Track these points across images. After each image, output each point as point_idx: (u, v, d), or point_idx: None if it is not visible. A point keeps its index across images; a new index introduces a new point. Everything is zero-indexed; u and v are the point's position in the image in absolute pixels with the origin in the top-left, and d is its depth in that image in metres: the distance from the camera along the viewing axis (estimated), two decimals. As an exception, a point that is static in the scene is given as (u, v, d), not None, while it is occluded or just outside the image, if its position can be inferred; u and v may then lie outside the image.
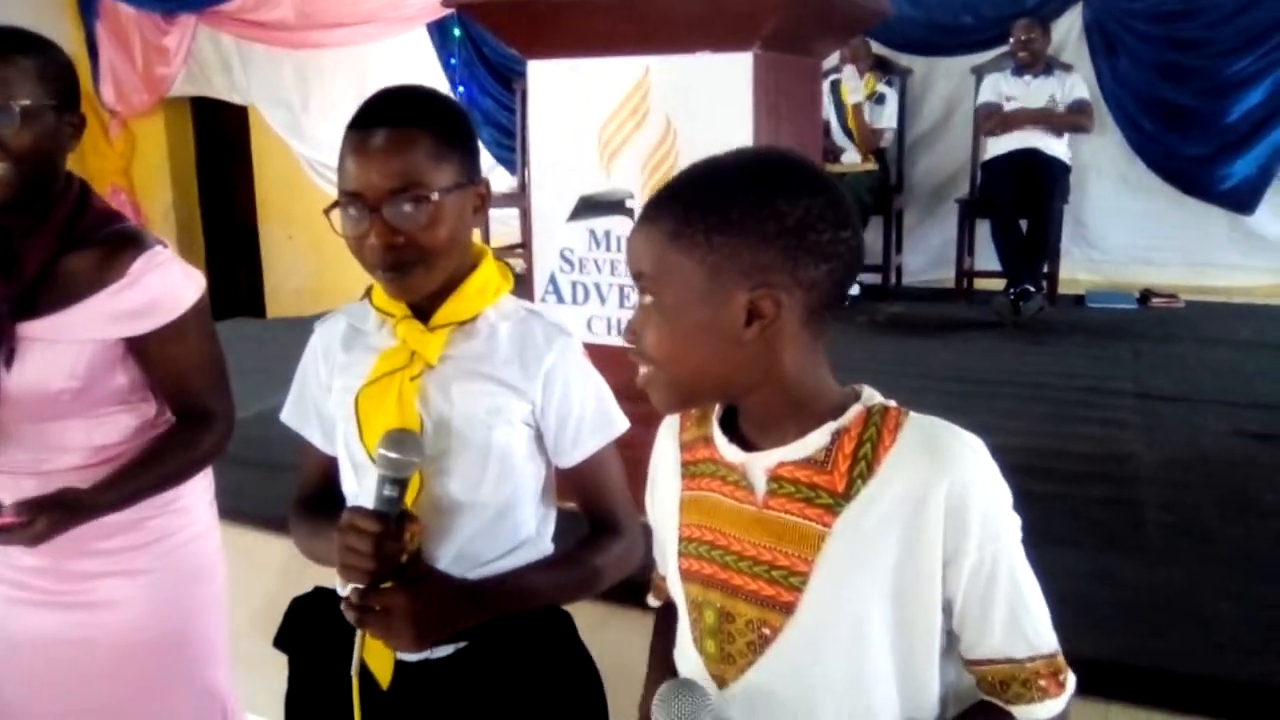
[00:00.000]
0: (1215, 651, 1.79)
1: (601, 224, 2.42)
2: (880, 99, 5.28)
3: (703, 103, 2.25)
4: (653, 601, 1.17)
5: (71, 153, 1.52)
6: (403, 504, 1.15)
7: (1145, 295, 5.13)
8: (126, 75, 7.42)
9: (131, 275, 1.48)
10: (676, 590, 1.03)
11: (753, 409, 0.96)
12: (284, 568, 2.31)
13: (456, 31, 6.33)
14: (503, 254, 5.27)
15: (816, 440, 0.92)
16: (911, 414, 0.93)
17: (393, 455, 1.12)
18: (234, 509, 2.60)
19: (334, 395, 1.29)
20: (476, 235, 1.35)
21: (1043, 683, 0.91)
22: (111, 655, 1.59)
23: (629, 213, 2.37)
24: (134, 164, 7.74)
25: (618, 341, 2.36)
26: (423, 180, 1.16)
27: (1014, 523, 0.91)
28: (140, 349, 1.54)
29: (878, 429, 0.91)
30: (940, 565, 0.89)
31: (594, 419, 1.28)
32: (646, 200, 0.94)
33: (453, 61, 6.41)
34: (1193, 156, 5.18)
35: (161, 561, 1.61)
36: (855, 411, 0.92)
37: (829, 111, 5.36)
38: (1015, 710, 0.92)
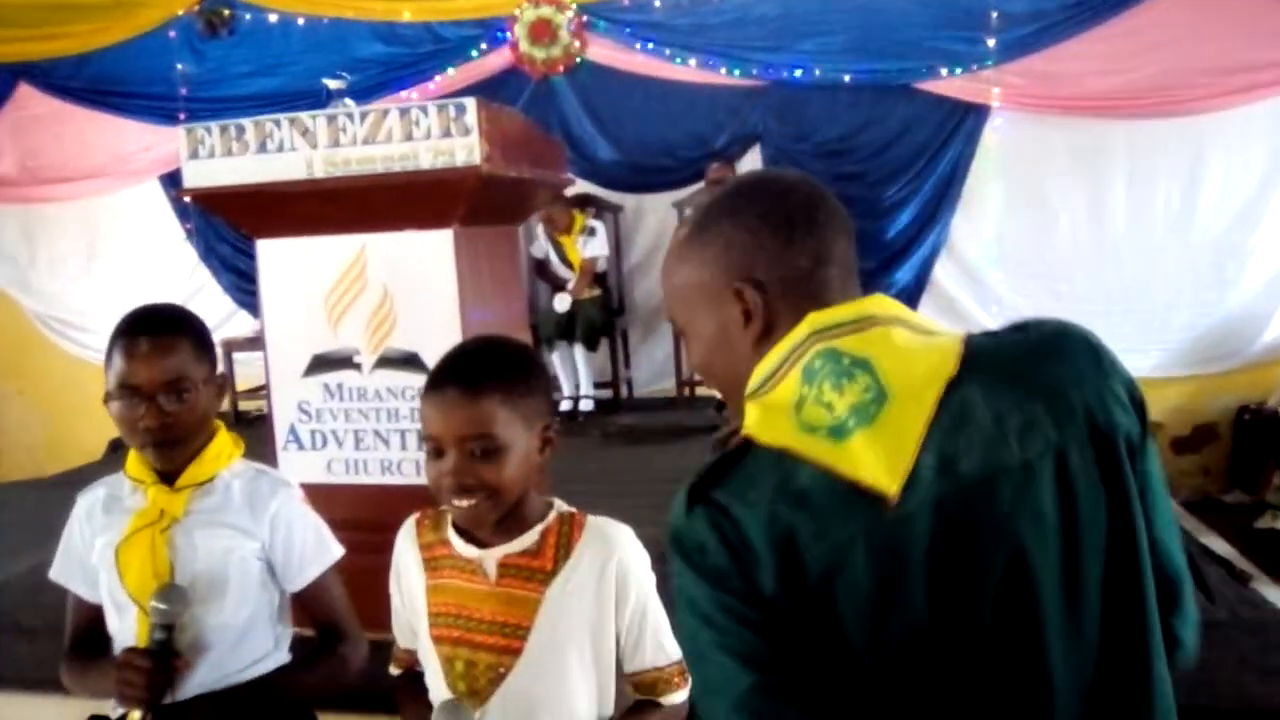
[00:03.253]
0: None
1: (334, 378, 2.75)
2: (591, 231, 5.89)
3: (414, 272, 2.65)
4: (394, 670, 1.51)
5: None
6: (170, 643, 1.46)
7: (838, 389, 5.92)
8: None
9: None
10: (428, 653, 1.40)
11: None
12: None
13: (191, 184, 6.46)
14: (247, 396, 5.37)
15: (530, 538, 1.36)
16: (589, 516, 1.40)
17: (162, 606, 1.46)
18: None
19: (97, 551, 1.57)
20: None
21: (676, 680, 1.39)
22: None
23: (357, 367, 2.72)
24: None
25: (353, 480, 2.71)
26: (185, 375, 1.51)
27: (652, 578, 1.38)
28: None
29: (569, 526, 1.38)
30: (614, 610, 1.35)
31: (314, 550, 1.63)
32: (455, 377, 1.30)
33: (187, 211, 6.50)
34: (863, 270, 6.01)
35: None
36: (553, 516, 1.39)
37: (547, 249, 5.92)
38: (662, 700, 1.39)
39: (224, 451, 1.63)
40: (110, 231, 6.64)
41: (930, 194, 5.94)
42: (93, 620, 1.62)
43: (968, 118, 5.72)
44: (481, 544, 1.37)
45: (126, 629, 1.55)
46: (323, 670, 1.65)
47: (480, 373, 1.32)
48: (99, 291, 6.52)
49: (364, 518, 2.72)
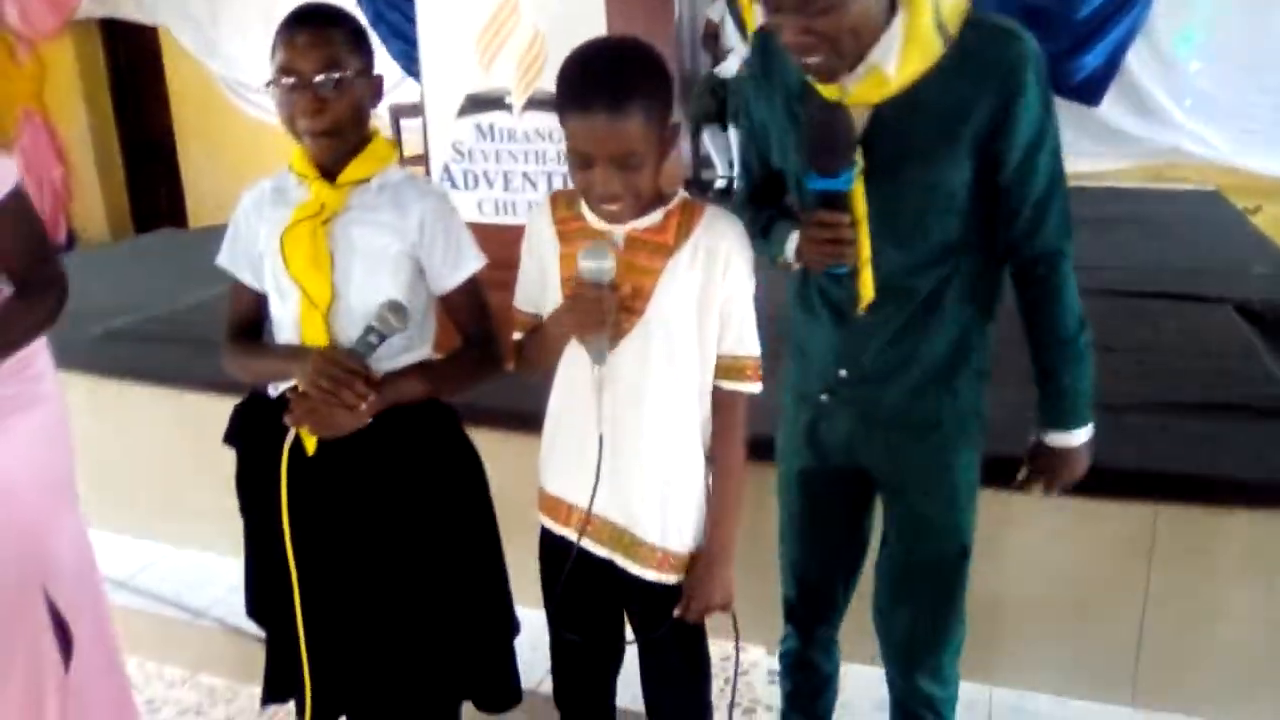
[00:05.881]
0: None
1: (486, 119, 2.82)
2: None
3: (565, 12, 2.63)
4: (518, 335, 1.66)
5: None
6: (369, 353, 1.61)
7: (1003, 182, 5.66)
8: (31, -3, 7.47)
9: None
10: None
11: None
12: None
13: (362, -54, 6.50)
14: (412, 162, 5.54)
15: (656, 216, 1.50)
16: (708, 205, 1.53)
17: (392, 321, 1.60)
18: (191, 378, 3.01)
19: (262, 240, 1.70)
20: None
21: (753, 372, 1.55)
22: None
23: (508, 108, 2.77)
24: (46, 87, 7.82)
25: (503, 220, 2.80)
26: (340, 64, 1.59)
27: (752, 275, 1.52)
28: None
29: (690, 210, 1.51)
30: (719, 287, 1.49)
31: (457, 254, 1.71)
32: (601, 96, 1.36)
33: (360, -24, 6.57)
34: (1048, 53, 5.64)
35: (27, 421, 1.84)
36: (677, 201, 1.52)
37: (724, 13, 5.74)
38: (738, 385, 1.55)
39: (381, 154, 1.70)
40: (287, -5, 6.79)
41: (1132, -31, 5.42)
42: (254, 307, 1.77)
43: (1185, -119, 5.12)
44: (613, 218, 1.49)
45: (289, 312, 1.69)
46: (464, 364, 1.75)
47: (624, 90, 1.37)
48: (276, 55, 6.73)
49: (511, 257, 2.84)
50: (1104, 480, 2.17)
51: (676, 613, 1.60)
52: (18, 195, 1.74)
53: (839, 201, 1.47)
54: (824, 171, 1.45)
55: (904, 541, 1.70)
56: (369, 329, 1.61)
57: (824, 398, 1.65)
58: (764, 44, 1.59)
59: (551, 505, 1.66)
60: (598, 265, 1.43)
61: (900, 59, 1.40)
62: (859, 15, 1.36)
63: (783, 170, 1.64)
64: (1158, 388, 2.62)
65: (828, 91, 1.46)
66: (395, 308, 1.61)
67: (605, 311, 1.45)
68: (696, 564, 1.58)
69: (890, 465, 1.66)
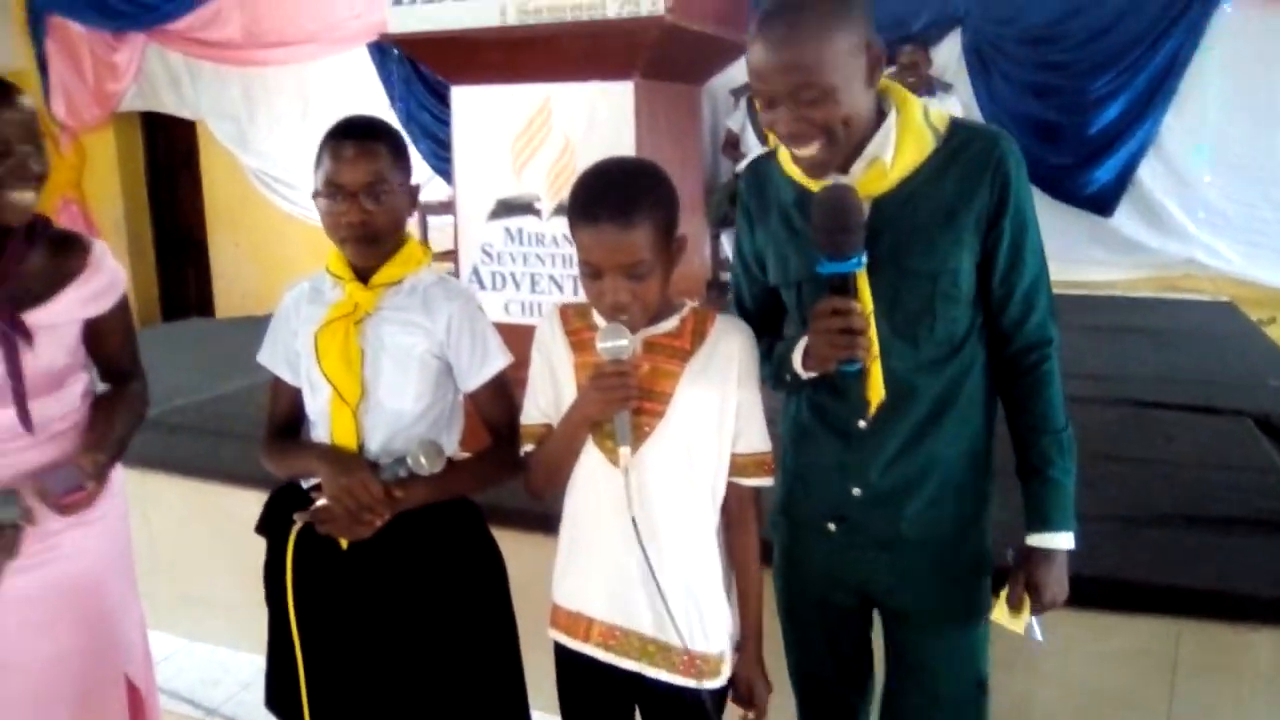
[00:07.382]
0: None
1: (515, 222, 2.90)
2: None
3: (595, 123, 2.74)
4: (528, 448, 1.66)
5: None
6: (399, 484, 1.66)
7: (1018, 289, 5.72)
8: (77, 91, 7.74)
9: (92, 265, 1.80)
10: None
11: None
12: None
13: (395, 51, 6.75)
14: (440, 258, 5.64)
15: (672, 323, 1.58)
16: (718, 312, 1.62)
17: (424, 464, 1.65)
18: (213, 470, 3.04)
19: (300, 338, 1.76)
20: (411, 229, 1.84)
21: (767, 467, 1.61)
22: (80, 598, 1.84)
23: (537, 213, 2.86)
24: (85, 176, 8.05)
25: (529, 321, 2.86)
26: (383, 178, 1.67)
27: (758, 375, 1.60)
28: (95, 324, 1.84)
29: (703, 317, 1.59)
30: (735, 390, 1.56)
31: (484, 354, 1.77)
32: (609, 209, 1.45)
33: (392, 79, 6.81)
34: (1060, 165, 5.78)
35: (104, 508, 1.87)
36: (689, 307, 1.60)
37: (745, 122, 5.91)
38: (754, 481, 1.61)
39: (413, 257, 1.78)
40: (321, 95, 7.02)
41: (1142, 88, 5.57)
42: (292, 404, 1.83)
43: (1193, 6, 5.30)
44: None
45: (320, 406, 1.74)
46: (481, 468, 1.79)
47: (630, 204, 1.46)
48: (309, 151, 6.90)
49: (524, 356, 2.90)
50: (1124, 593, 2.19)
51: (740, 713, 1.63)
52: (125, 297, 1.89)
53: (849, 287, 1.46)
54: (835, 252, 1.44)
55: (916, 679, 1.64)
56: (401, 461, 1.65)
57: (831, 526, 1.62)
58: (755, 172, 1.65)
59: (569, 621, 1.63)
60: (615, 344, 1.48)
61: (897, 149, 1.47)
62: (850, 107, 1.41)
63: (781, 286, 1.63)
64: (1176, 501, 2.62)
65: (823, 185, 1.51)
66: (433, 451, 1.65)
67: (629, 387, 1.48)
68: (745, 661, 1.62)
69: (906, 593, 1.61)
